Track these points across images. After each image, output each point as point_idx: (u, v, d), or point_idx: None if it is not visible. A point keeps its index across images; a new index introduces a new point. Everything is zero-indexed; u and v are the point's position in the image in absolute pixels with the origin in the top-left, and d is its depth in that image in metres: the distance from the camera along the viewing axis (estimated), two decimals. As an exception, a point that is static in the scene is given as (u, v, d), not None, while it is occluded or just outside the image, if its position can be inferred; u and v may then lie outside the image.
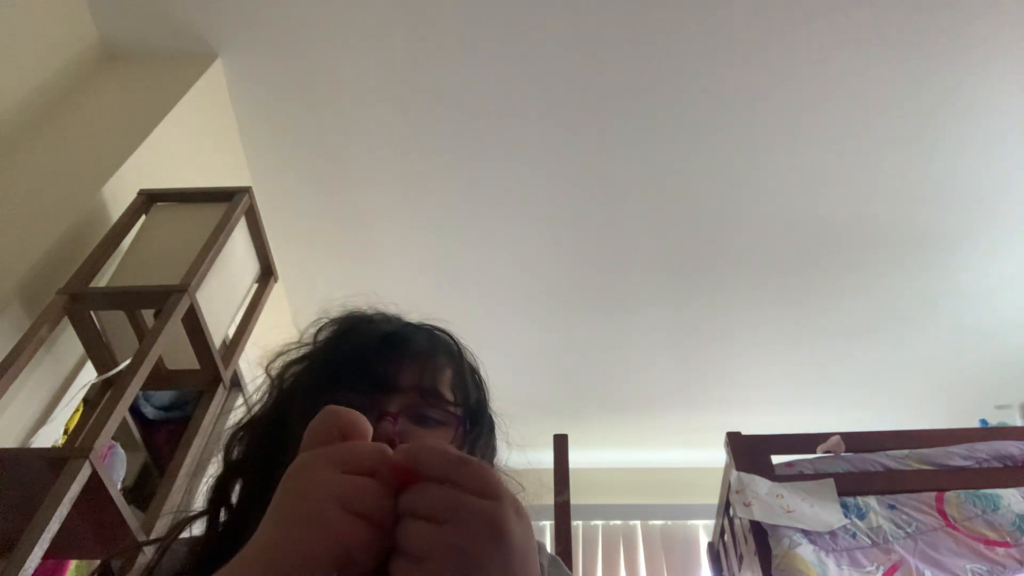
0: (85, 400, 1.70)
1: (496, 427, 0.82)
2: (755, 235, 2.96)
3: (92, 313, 1.63)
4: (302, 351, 0.80)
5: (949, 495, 2.16)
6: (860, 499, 2.18)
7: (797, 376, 3.64)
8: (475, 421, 0.77)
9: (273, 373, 0.80)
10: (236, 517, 0.69)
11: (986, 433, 2.48)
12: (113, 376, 1.63)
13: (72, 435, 1.68)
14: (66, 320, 1.59)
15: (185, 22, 2.32)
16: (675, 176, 2.75)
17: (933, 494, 2.18)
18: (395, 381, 0.71)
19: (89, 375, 1.71)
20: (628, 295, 3.23)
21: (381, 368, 0.71)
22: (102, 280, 1.73)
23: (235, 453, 0.75)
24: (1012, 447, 2.31)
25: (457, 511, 0.40)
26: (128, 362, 1.47)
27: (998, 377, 3.57)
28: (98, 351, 1.67)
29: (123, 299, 1.62)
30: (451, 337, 0.81)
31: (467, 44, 2.37)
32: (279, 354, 0.82)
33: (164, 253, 1.74)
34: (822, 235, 2.95)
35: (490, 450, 0.80)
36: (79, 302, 1.60)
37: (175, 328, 1.57)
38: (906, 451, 2.35)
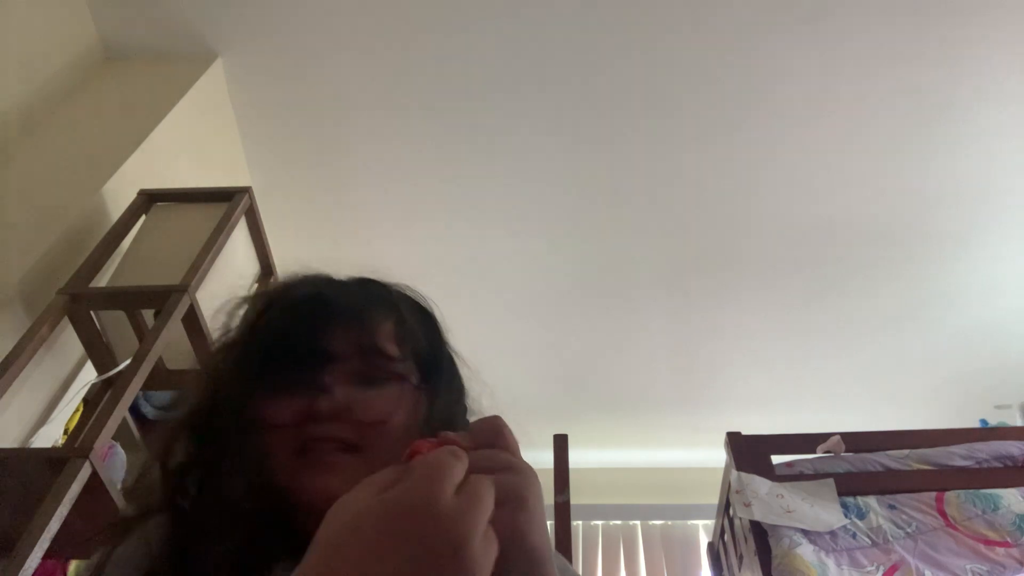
0: (85, 400, 1.70)
1: (461, 364, 0.75)
2: (755, 236, 2.96)
3: (92, 313, 1.63)
4: (225, 339, 0.73)
5: (949, 495, 2.16)
6: (860, 499, 2.18)
7: (797, 376, 3.64)
8: (430, 369, 0.70)
9: (206, 368, 0.73)
10: (193, 515, 0.64)
11: (986, 433, 2.48)
12: (113, 376, 1.63)
13: (72, 435, 1.68)
14: (66, 320, 1.60)
15: (185, 22, 2.32)
16: (675, 178, 2.75)
17: (933, 494, 2.17)
18: (327, 349, 0.65)
19: (89, 375, 1.71)
20: (629, 295, 3.23)
21: (308, 339, 0.65)
22: (102, 280, 1.73)
23: (177, 454, 0.68)
24: (1012, 447, 2.31)
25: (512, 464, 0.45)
26: (128, 362, 1.47)
27: (998, 377, 3.57)
28: (98, 351, 1.67)
29: (123, 299, 1.62)
30: (384, 285, 0.74)
31: (471, 47, 2.37)
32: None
33: (164, 253, 1.74)
34: (822, 236, 2.95)
35: (455, 390, 0.73)
36: (79, 302, 1.60)
37: (175, 328, 1.57)
38: (906, 451, 2.35)
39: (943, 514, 2.12)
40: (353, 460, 0.61)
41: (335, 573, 0.37)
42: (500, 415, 0.50)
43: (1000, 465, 2.29)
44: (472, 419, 0.72)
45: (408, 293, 0.76)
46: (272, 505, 0.62)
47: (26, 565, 1.10)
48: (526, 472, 0.46)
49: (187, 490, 0.65)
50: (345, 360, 0.65)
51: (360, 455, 0.62)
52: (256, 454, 0.62)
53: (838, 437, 2.42)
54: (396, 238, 2.94)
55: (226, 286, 1.81)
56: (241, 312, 0.73)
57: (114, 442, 1.68)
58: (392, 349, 0.67)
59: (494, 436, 0.48)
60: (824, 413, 3.70)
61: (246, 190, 1.92)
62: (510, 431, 0.48)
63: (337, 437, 0.62)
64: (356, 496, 0.40)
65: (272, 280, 2.03)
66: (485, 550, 0.38)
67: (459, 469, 0.40)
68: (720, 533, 2.68)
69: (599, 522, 3.97)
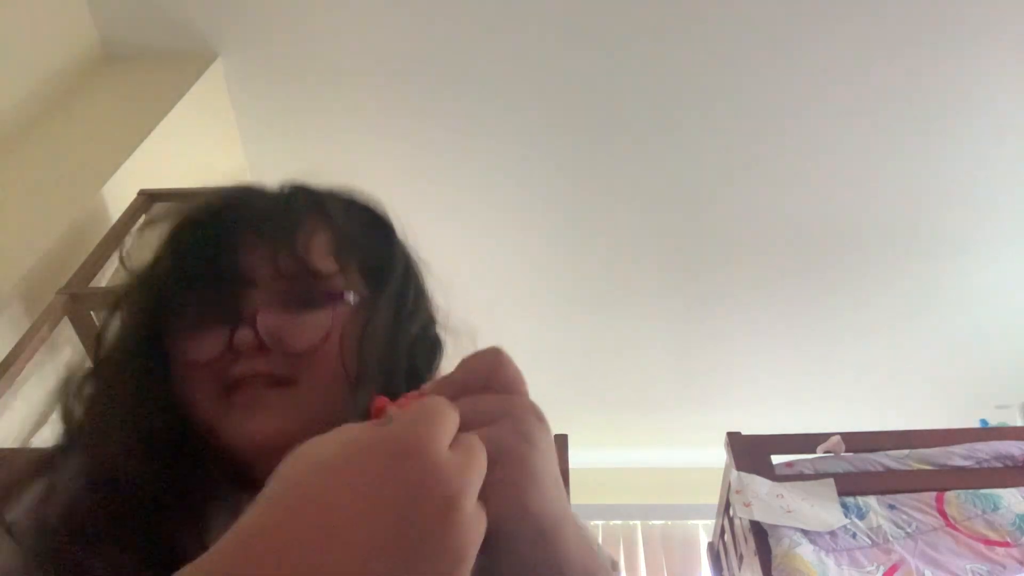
0: (85, 400, 1.70)
1: (425, 269, 0.66)
2: (756, 236, 2.96)
3: (92, 313, 1.63)
4: (133, 269, 0.62)
5: (949, 495, 2.16)
6: (860, 499, 2.18)
7: (797, 376, 3.64)
8: (378, 279, 0.60)
9: (106, 311, 0.63)
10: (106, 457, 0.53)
11: (986, 433, 2.48)
12: (113, 376, 1.63)
13: (72, 435, 1.67)
14: (66, 320, 1.59)
15: (185, 22, 2.32)
16: (676, 177, 2.75)
17: (933, 494, 2.17)
18: (245, 271, 0.56)
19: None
20: (629, 295, 3.23)
21: (222, 260, 0.56)
22: (102, 280, 1.73)
23: (85, 400, 0.58)
24: (1012, 447, 2.31)
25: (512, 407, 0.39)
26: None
27: (998, 377, 3.57)
28: (98, 351, 1.67)
29: (123, 299, 1.62)
30: (314, 191, 0.64)
31: (474, 42, 2.37)
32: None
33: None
34: (822, 236, 2.95)
35: (412, 304, 0.62)
36: (79, 302, 1.60)
37: (175, 328, 1.56)
38: (906, 451, 2.35)
39: (943, 514, 2.12)
40: (285, 395, 0.54)
41: (297, 517, 0.30)
42: (499, 347, 0.41)
43: (1000, 465, 2.29)
44: (447, 351, 0.64)
45: (349, 196, 0.65)
46: (198, 445, 0.55)
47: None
48: (525, 420, 0.39)
49: (102, 435, 0.55)
50: (269, 282, 0.56)
51: (293, 389, 0.55)
52: (174, 394, 0.55)
53: (838, 437, 2.42)
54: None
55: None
56: (149, 236, 0.63)
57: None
58: (325, 264, 0.58)
59: (489, 374, 0.40)
60: (824, 413, 3.70)
61: (246, 190, 1.91)
62: (510, 364, 0.41)
63: (264, 372, 0.54)
64: (325, 439, 0.33)
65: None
66: (478, 517, 0.32)
67: (453, 420, 0.34)
68: (720, 533, 2.68)
69: (599, 522, 3.97)
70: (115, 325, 0.61)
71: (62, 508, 0.51)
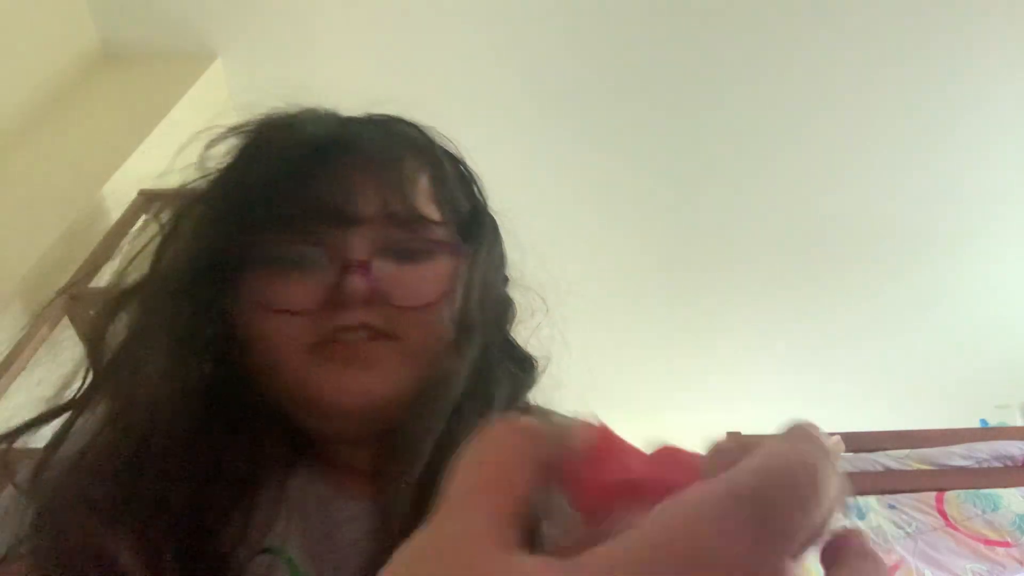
0: (85, 400, 1.70)
1: (499, 227, 0.59)
2: (755, 236, 2.95)
3: (92, 313, 1.63)
4: (201, 187, 0.55)
5: (949, 495, 2.16)
6: (860, 499, 2.18)
7: (797, 376, 3.64)
8: (473, 237, 0.55)
9: (163, 220, 0.55)
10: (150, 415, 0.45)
11: (986, 433, 2.48)
12: (113, 376, 1.63)
13: (72, 435, 1.67)
14: (66, 320, 1.59)
15: (185, 22, 2.32)
16: (675, 176, 2.75)
17: (933, 494, 2.17)
18: (352, 209, 0.50)
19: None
20: (628, 295, 3.23)
21: (325, 193, 0.49)
22: (102, 280, 1.73)
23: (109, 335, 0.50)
24: (1012, 447, 2.31)
25: None
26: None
27: (998, 377, 3.57)
28: (98, 351, 1.67)
29: (123, 299, 1.62)
30: (417, 127, 0.57)
31: (476, 40, 2.37)
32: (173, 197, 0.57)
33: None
34: (822, 236, 2.95)
35: (496, 262, 0.58)
36: (79, 302, 1.60)
37: (175, 328, 1.56)
38: (906, 451, 2.35)
39: (943, 514, 2.12)
40: (390, 350, 0.49)
41: None
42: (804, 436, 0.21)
43: (1000, 465, 2.29)
44: (512, 292, 0.58)
45: (444, 140, 0.59)
46: (251, 402, 0.49)
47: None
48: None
49: (133, 381, 0.47)
50: (377, 226, 0.50)
51: (397, 344, 0.49)
52: (231, 338, 0.49)
53: (837, 437, 2.42)
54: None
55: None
56: (224, 150, 0.57)
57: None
58: (432, 211, 0.53)
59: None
60: (823, 413, 3.70)
61: (246, 190, 1.91)
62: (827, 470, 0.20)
63: (370, 324, 0.48)
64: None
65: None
66: None
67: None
68: (720, 533, 2.68)
69: (599, 522, 3.97)
70: (174, 241, 0.53)
71: (79, 467, 0.45)
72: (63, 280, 1.64)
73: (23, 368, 1.46)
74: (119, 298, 0.51)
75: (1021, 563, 2.00)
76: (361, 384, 0.48)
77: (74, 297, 1.60)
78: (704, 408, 3.81)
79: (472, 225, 0.56)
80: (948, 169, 2.71)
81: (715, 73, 2.42)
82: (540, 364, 0.59)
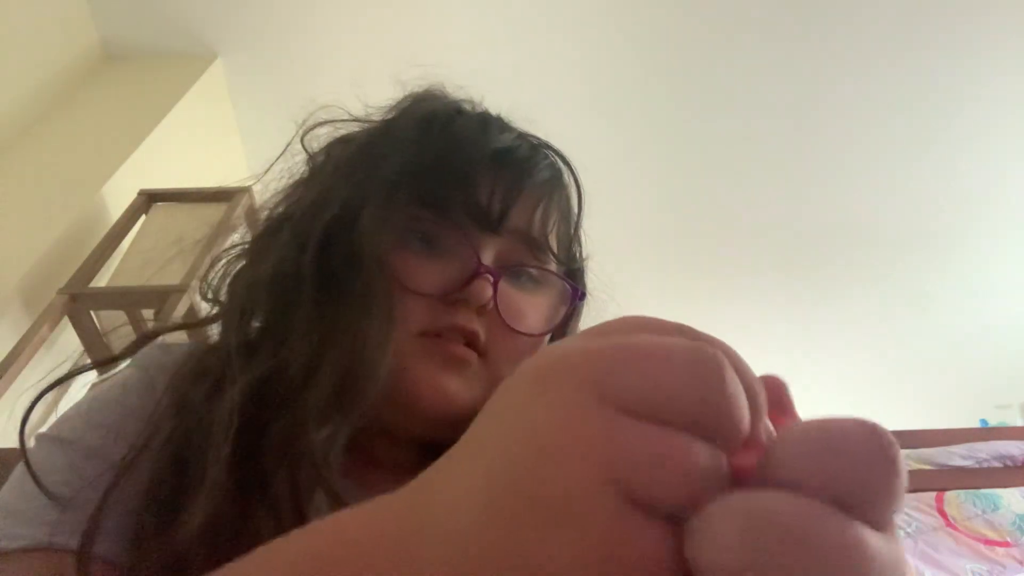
0: (85, 400, 1.70)
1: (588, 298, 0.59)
2: (755, 235, 2.95)
3: (92, 313, 1.63)
4: (366, 126, 0.57)
5: (949, 495, 2.16)
6: (860, 499, 2.18)
7: (796, 376, 3.60)
8: (575, 275, 0.57)
9: (314, 148, 0.58)
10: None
11: (986, 433, 2.48)
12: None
13: (72, 435, 1.67)
14: (66, 320, 1.60)
15: (185, 22, 2.32)
16: (675, 176, 2.75)
17: (933, 494, 2.17)
18: (503, 219, 0.50)
19: (89, 375, 1.71)
20: (628, 294, 3.22)
21: (488, 197, 0.50)
22: (102, 280, 1.73)
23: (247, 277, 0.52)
24: (1012, 447, 2.31)
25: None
26: (128, 362, 1.47)
27: (998, 377, 3.57)
28: (98, 351, 1.67)
29: (123, 299, 1.62)
30: (572, 169, 0.58)
31: (479, 35, 2.36)
32: (323, 123, 0.60)
33: (164, 253, 1.74)
34: (822, 235, 2.95)
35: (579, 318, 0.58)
36: (79, 302, 1.60)
37: (175, 328, 1.57)
38: (906, 451, 2.35)
39: (943, 514, 2.12)
40: (480, 364, 0.49)
41: None
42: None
43: (1000, 465, 2.29)
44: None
45: (574, 171, 0.59)
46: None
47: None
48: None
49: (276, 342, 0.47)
50: (509, 239, 0.51)
51: (485, 360, 0.49)
52: (380, 315, 0.46)
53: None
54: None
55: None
56: (390, 110, 0.58)
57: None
58: (555, 244, 0.53)
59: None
60: (824, 413, 3.70)
61: (246, 190, 1.92)
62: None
63: (474, 332, 0.48)
64: None
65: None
66: None
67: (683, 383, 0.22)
68: (720, 533, 2.68)
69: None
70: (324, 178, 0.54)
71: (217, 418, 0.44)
72: (63, 280, 1.64)
73: (23, 368, 1.46)
74: (277, 220, 0.55)
75: (1021, 563, 2.00)
76: (453, 388, 0.47)
77: (74, 297, 1.60)
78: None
79: (573, 274, 0.57)
80: (947, 170, 2.71)
81: (715, 73, 2.43)
82: None
